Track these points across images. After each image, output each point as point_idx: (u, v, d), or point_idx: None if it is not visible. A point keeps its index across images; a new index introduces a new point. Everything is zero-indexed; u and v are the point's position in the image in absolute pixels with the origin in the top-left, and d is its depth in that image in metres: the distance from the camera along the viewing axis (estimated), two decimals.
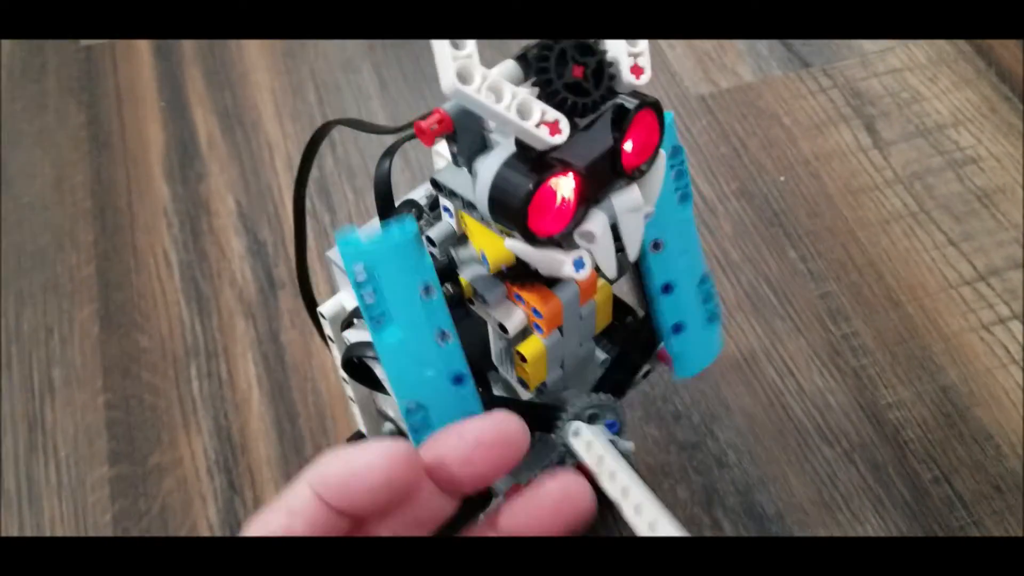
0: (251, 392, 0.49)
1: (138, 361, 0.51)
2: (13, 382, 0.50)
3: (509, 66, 0.22)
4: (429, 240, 0.27)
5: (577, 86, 0.21)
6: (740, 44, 0.67)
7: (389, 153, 0.30)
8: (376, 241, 0.24)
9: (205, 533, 0.44)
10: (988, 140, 0.60)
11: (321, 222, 0.57)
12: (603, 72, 0.22)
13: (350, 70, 0.66)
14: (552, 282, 0.27)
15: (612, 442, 0.27)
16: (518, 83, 0.22)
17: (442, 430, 0.23)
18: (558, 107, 0.21)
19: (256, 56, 0.67)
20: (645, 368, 0.33)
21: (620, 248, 0.24)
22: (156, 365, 0.51)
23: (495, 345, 0.31)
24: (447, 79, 0.19)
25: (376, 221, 0.31)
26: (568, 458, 0.29)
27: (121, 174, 0.60)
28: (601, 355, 0.33)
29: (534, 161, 0.22)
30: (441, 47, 0.19)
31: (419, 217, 0.30)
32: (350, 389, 0.38)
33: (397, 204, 0.31)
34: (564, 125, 0.21)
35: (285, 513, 0.21)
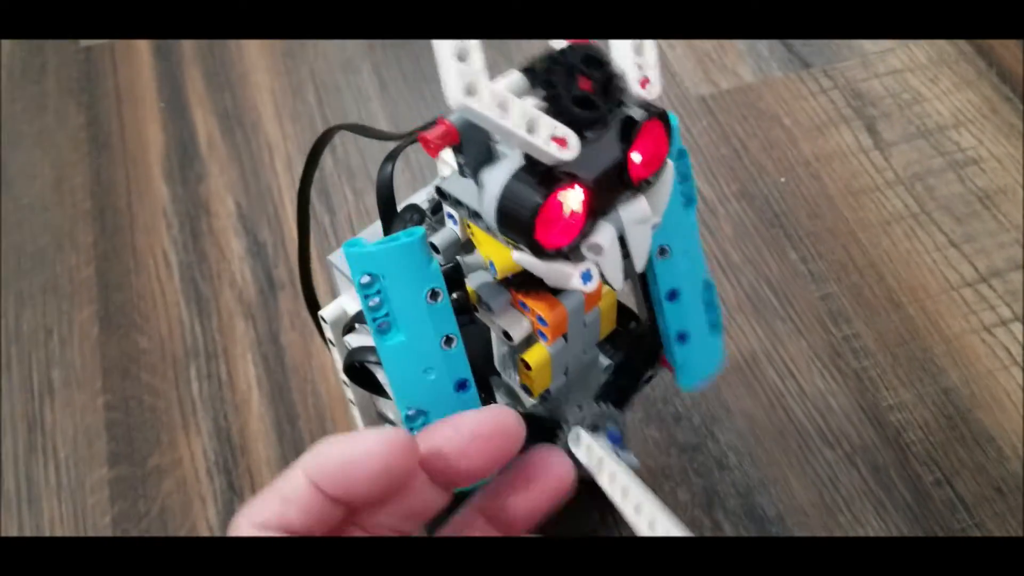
0: (251, 393, 0.49)
1: (137, 362, 0.51)
2: (12, 383, 0.50)
3: (516, 78, 0.22)
4: (433, 247, 0.27)
5: (586, 99, 0.21)
6: (740, 44, 0.66)
7: (391, 158, 0.30)
8: (383, 246, 0.24)
9: (205, 534, 0.44)
10: (989, 141, 0.60)
11: (321, 223, 0.56)
12: (612, 85, 0.22)
13: (350, 70, 0.65)
14: (557, 290, 0.27)
15: (616, 454, 0.27)
16: (524, 95, 0.22)
17: (438, 422, 0.23)
18: (566, 121, 0.21)
19: (256, 56, 0.66)
20: (648, 373, 0.33)
21: (626, 255, 0.24)
22: (156, 366, 0.50)
23: (498, 351, 0.31)
24: (454, 94, 0.19)
25: (378, 225, 0.31)
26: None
27: (121, 175, 0.60)
28: (605, 361, 0.33)
29: (542, 174, 0.21)
30: (447, 61, 0.19)
31: (421, 221, 0.30)
32: (350, 391, 0.37)
33: (399, 209, 0.31)
34: (573, 140, 0.21)
35: (279, 500, 0.21)
